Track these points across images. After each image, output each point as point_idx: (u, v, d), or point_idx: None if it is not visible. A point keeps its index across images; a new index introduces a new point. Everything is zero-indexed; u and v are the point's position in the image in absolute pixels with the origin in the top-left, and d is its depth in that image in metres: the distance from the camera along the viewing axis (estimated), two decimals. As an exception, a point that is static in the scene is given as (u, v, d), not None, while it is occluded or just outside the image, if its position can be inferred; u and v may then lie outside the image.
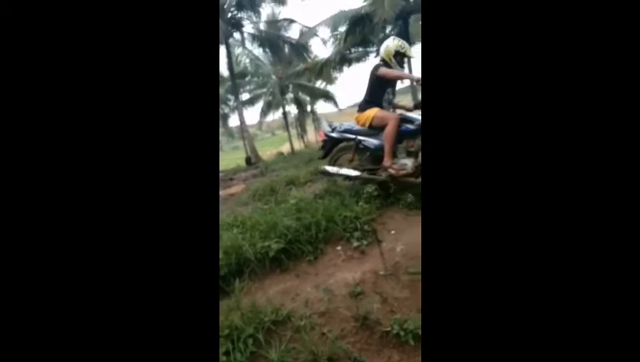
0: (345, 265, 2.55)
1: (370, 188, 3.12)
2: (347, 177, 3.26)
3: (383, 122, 3.04)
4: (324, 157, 3.54)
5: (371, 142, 3.19)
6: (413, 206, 3.01)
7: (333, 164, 3.43)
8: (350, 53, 14.62)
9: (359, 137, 3.22)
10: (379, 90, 3.19)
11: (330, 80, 16.05)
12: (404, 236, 2.66)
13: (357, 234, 2.72)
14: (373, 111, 3.14)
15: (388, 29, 13.31)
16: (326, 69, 14.42)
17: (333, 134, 3.35)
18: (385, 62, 3.24)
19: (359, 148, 3.25)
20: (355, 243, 2.65)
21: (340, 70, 15.31)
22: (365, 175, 3.13)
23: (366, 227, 2.81)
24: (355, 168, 3.25)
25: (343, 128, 3.34)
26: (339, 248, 2.73)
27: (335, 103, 20.77)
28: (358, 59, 15.06)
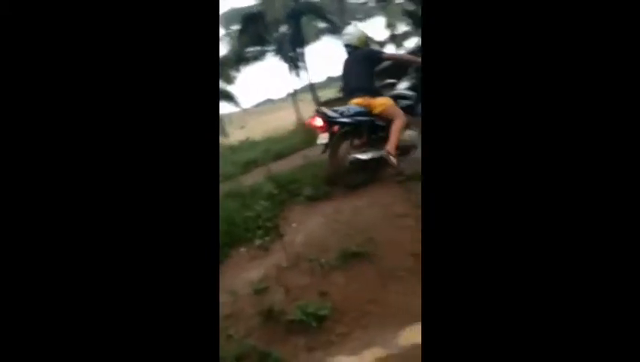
0: (249, 264, 2.57)
1: (270, 187, 3.17)
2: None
3: (391, 115, 3.05)
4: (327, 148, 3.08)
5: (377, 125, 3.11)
6: (312, 198, 3.16)
7: (334, 153, 3.07)
8: (246, 52, 14.38)
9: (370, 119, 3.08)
10: (372, 76, 3.19)
11: (229, 80, 15.53)
12: (304, 227, 2.78)
13: (259, 232, 2.75)
14: (388, 101, 3.09)
15: (282, 28, 13.49)
16: (224, 69, 13.92)
17: (344, 119, 3.02)
18: (356, 48, 3.34)
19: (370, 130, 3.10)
20: (258, 242, 2.68)
21: (238, 70, 14.95)
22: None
23: (268, 224, 2.86)
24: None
25: (353, 111, 3.06)
26: (243, 249, 2.73)
27: (236, 103, 20.20)
28: (256, 58, 14.91)
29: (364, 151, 3.09)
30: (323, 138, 3.09)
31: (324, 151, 3.10)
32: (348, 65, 3.33)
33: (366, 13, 13.53)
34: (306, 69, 13.11)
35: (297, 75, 13.61)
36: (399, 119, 3.04)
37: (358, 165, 3.07)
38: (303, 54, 13.26)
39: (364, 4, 15.38)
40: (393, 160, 2.96)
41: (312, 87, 13.23)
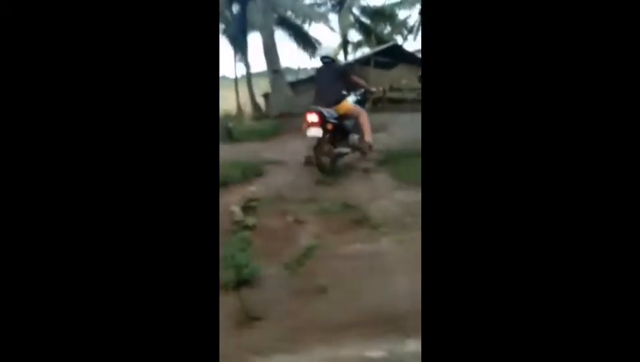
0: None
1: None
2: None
3: (356, 113, 3.96)
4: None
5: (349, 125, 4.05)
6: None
7: (322, 147, 3.76)
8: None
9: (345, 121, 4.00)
10: (341, 88, 4.00)
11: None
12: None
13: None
14: (348, 104, 3.98)
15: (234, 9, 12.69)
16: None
17: (334, 120, 3.81)
18: (332, 59, 4.35)
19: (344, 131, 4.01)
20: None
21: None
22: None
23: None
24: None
25: (335, 115, 3.85)
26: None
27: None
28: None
29: (342, 147, 3.97)
30: (316, 132, 3.65)
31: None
32: (323, 75, 4.06)
33: (319, 17, 13.68)
34: (246, 55, 12.56)
35: (240, 60, 12.94)
36: (363, 113, 3.94)
37: (337, 157, 3.93)
38: (246, 41, 12.62)
39: (320, 6, 15.51)
40: (369, 149, 3.90)
41: (248, 76, 12.67)
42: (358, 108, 3.98)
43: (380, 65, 9.89)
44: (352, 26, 15.85)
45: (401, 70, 10.13)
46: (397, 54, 11.11)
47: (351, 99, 4.04)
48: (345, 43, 15.48)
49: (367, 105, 4.58)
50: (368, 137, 3.82)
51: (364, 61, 10.63)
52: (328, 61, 4.16)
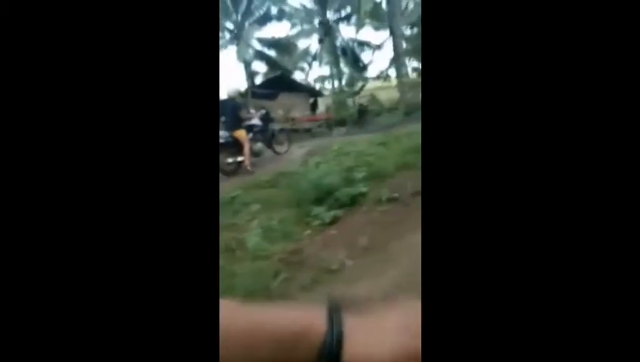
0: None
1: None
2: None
3: (241, 140, 5.60)
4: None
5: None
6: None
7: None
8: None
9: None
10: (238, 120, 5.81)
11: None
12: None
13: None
14: (242, 132, 5.66)
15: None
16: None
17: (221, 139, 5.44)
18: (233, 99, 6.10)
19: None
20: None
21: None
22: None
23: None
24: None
25: (225, 136, 5.55)
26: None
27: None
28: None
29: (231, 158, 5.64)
30: None
31: None
32: (227, 107, 5.71)
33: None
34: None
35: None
36: (246, 142, 5.60)
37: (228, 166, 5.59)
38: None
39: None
40: (249, 168, 5.54)
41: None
42: (245, 136, 5.56)
43: (259, 96, 10.23)
44: (254, 57, 16.15)
45: (285, 99, 10.54)
46: (281, 84, 11.60)
47: (255, 122, 5.85)
48: (250, 73, 15.67)
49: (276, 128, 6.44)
50: (246, 160, 5.50)
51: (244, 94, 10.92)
52: (226, 99, 5.92)
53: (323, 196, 2.87)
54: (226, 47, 15.69)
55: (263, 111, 6.17)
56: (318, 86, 18.71)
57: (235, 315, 0.36)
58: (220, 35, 15.72)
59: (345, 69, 18.71)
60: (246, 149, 5.42)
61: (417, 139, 4.19)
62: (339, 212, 2.63)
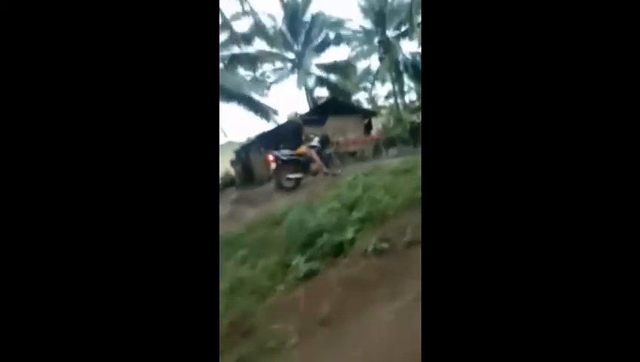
0: None
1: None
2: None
3: (306, 153, 6.36)
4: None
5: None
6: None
7: (277, 173, 6.26)
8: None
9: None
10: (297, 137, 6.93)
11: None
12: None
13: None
14: (304, 148, 6.40)
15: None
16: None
17: (283, 157, 6.25)
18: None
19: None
20: None
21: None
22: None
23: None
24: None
25: (287, 154, 6.32)
26: None
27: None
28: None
29: (296, 174, 6.22)
30: (273, 166, 6.20)
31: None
32: (288, 129, 7.05)
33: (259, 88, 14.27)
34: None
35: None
36: (312, 152, 6.34)
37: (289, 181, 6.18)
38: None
39: (276, 71, 16.30)
40: (324, 168, 6.24)
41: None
42: (308, 150, 6.33)
43: (309, 122, 10.34)
44: (316, 83, 16.54)
45: (336, 123, 10.35)
46: (332, 108, 11.41)
47: (314, 142, 6.47)
48: (312, 99, 16.05)
49: (329, 151, 6.79)
50: (316, 165, 6.26)
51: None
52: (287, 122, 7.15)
53: (309, 241, 2.50)
54: (287, 76, 16.44)
55: (322, 134, 6.72)
56: (382, 104, 18.30)
57: None
58: (281, 65, 16.56)
59: (411, 84, 17.96)
60: (315, 157, 6.25)
61: None
62: (316, 264, 2.24)
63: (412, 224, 2.39)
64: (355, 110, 12.79)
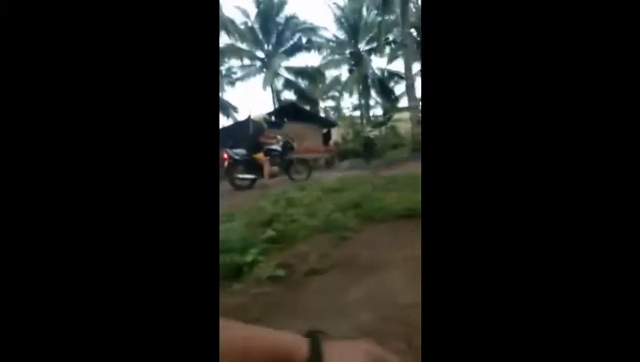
0: None
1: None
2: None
3: (260, 161, 6.31)
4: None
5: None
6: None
7: (229, 172, 6.35)
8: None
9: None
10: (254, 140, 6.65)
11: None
12: None
13: None
14: (260, 154, 6.32)
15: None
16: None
17: (237, 157, 6.36)
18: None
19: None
20: None
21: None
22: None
23: None
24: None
25: (241, 154, 6.38)
26: None
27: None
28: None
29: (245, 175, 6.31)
30: (225, 163, 6.33)
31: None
32: (247, 131, 6.80)
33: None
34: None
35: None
36: (265, 162, 6.22)
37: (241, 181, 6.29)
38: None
39: (245, 68, 15.90)
40: (267, 177, 6.22)
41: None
42: (264, 158, 6.23)
43: (270, 124, 10.27)
44: (284, 86, 16.32)
45: (294, 129, 10.26)
46: (292, 113, 11.36)
47: (275, 147, 6.35)
48: (278, 101, 15.79)
49: (291, 156, 6.56)
50: (266, 177, 6.17)
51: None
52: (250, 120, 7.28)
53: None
54: (254, 75, 16.10)
55: (284, 139, 6.57)
56: (348, 115, 18.43)
57: (227, 333, 0.40)
58: (252, 63, 16.19)
59: (378, 99, 18.27)
60: (265, 169, 6.24)
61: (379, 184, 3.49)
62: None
63: (319, 250, 2.25)
64: (314, 118, 12.72)
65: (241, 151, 6.34)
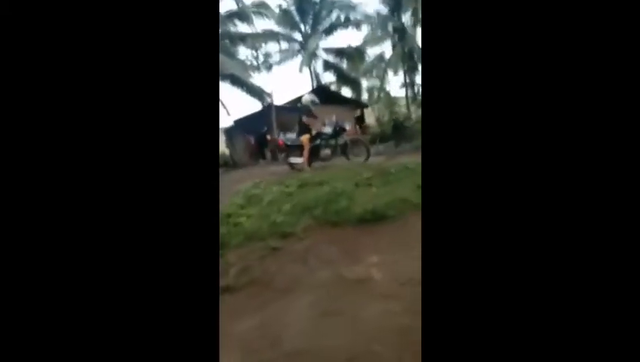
0: None
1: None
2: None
3: (304, 144, 6.15)
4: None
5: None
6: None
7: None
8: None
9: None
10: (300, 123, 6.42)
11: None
12: None
13: None
14: (306, 137, 6.16)
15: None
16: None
17: (289, 142, 6.33)
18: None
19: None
20: None
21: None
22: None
23: None
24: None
25: (292, 139, 6.31)
26: None
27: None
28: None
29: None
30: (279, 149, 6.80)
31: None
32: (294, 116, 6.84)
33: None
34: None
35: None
36: (307, 145, 6.08)
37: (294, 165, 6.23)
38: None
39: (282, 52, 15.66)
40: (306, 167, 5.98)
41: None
42: (307, 141, 6.08)
43: (288, 110, 9.93)
44: (324, 68, 15.83)
45: (323, 112, 9.79)
46: (323, 97, 10.76)
47: (325, 130, 6.19)
48: (319, 83, 15.39)
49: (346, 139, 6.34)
50: (305, 162, 6.06)
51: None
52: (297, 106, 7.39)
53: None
54: (291, 58, 15.79)
55: (335, 122, 6.44)
56: (395, 95, 17.37)
57: None
58: (288, 46, 15.91)
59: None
60: (305, 152, 6.15)
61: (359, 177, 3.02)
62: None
63: (244, 261, 1.95)
64: (345, 100, 12.07)
65: (292, 136, 6.43)
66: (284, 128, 8.72)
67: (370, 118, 12.99)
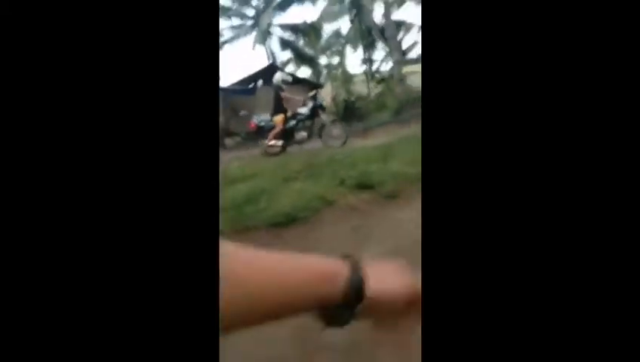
0: None
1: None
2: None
3: (277, 124, 5.94)
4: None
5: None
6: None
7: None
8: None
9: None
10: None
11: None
12: None
13: None
14: (279, 117, 5.84)
15: None
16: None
17: (262, 124, 6.11)
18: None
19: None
20: None
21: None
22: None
23: None
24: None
25: (265, 120, 6.11)
26: None
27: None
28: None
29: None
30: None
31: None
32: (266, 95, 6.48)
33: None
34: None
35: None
36: (278, 125, 5.75)
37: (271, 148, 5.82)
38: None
39: (236, 28, 14.92)
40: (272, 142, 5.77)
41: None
42: (280, 121, 5.72)
43: (237, 92, 9.64)
44: (280, 46, 15.28)
45: (265, 93, 9.49)
46: (267, 78, 10.47)
47: (302, 110, 5.86)
48: (274, 60, 14.90)
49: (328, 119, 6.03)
50: (270, 141, 5.69)
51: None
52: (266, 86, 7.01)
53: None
54: (244, 35, 15.08)
55: (313, 101, 6.00)
56: (354, 72, 17.16)
57: (260, 262, 0.39)
58: (241, 22, 15.14)
59: (382, 51, 16.76)
60: (273, 131, 5.71)
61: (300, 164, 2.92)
62: None
63: None
64: (297, 80, 11.79)
65: (266, 117, 5.98)
66: (235, 111, 8.36)
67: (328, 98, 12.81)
